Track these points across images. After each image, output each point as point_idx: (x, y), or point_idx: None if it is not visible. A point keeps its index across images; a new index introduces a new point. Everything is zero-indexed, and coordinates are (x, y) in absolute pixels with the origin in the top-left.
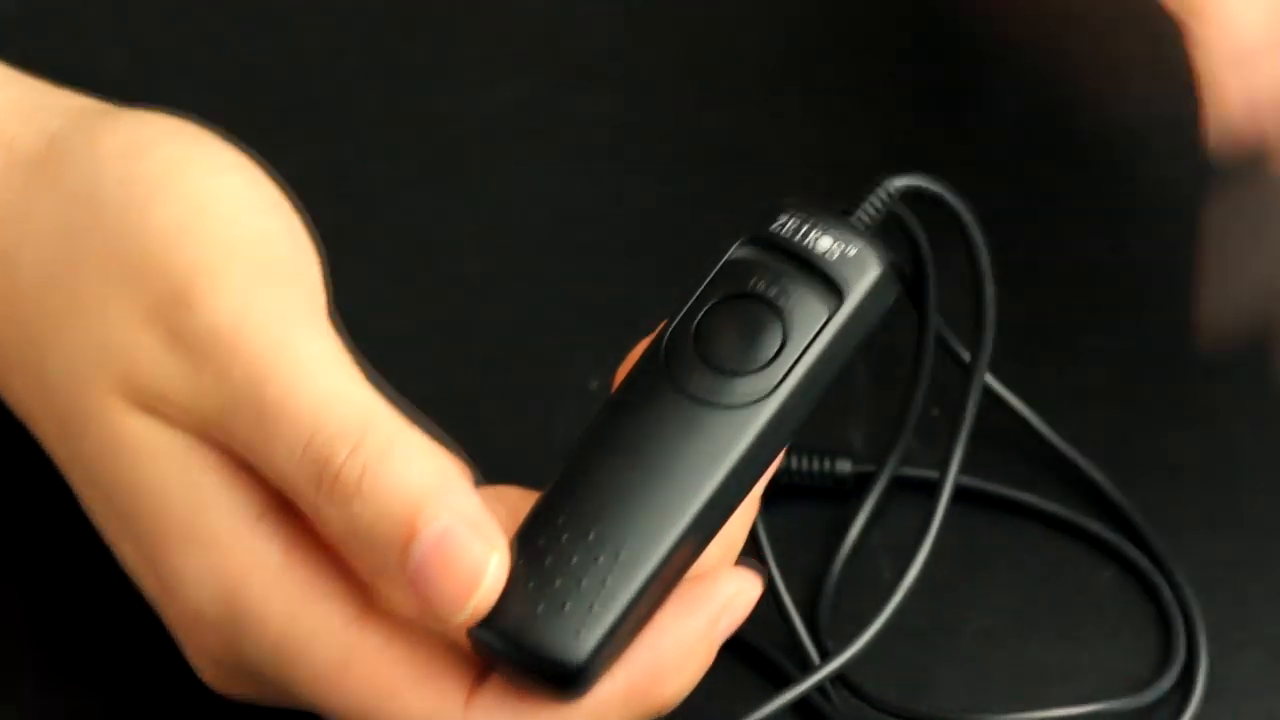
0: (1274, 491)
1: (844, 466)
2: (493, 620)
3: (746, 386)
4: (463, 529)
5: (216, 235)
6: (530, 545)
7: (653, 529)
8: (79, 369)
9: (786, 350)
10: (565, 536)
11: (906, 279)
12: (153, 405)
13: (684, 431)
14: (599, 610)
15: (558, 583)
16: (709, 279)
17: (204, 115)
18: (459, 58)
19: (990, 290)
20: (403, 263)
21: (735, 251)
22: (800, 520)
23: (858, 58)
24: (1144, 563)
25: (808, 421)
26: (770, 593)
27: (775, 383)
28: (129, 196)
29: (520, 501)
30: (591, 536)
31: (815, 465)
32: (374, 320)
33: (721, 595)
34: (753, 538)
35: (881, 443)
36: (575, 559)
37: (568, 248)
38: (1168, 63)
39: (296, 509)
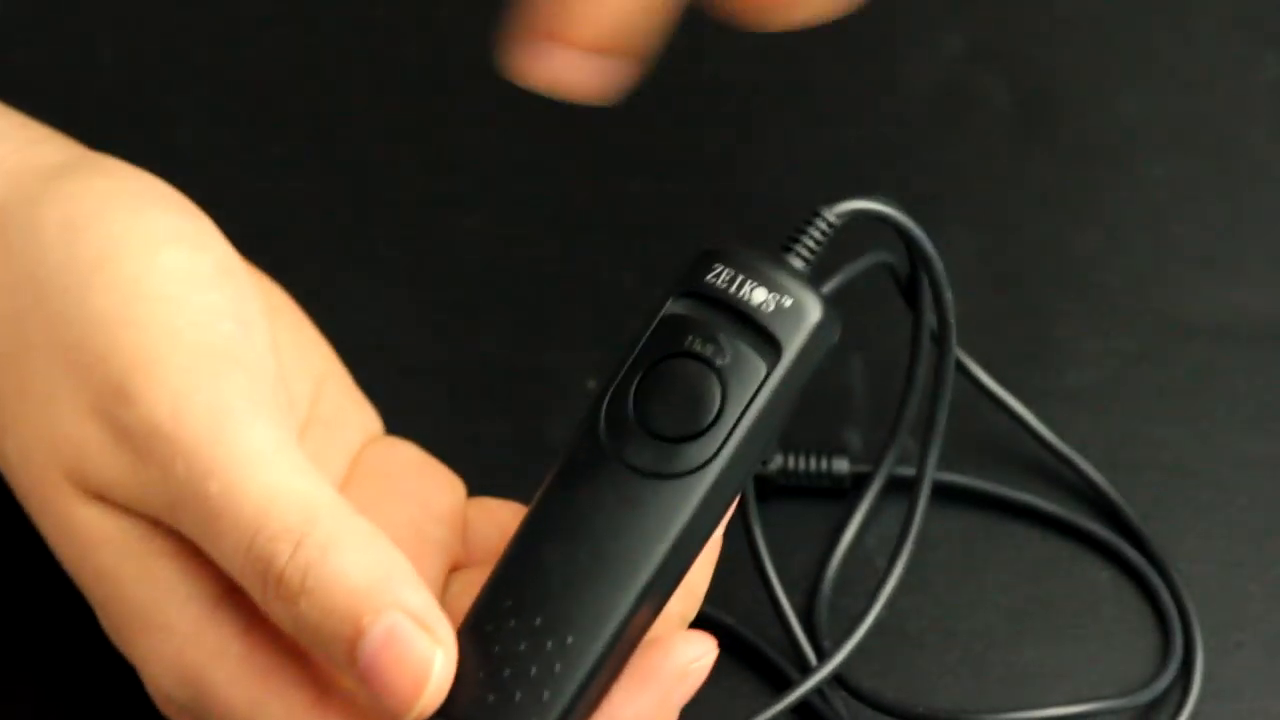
0: (1271, 492)
1: (841, 466)
2: (447, 711)
3: (687, 454)
4: (408, 626)
5: (154, 321)
6: (478, 633)
7: (600, 610)
8: (33, 455)
9: (726, 412)
10: (512, 623)
11: (899, 282)
12: (104, 496)
13: (626, 505)
14: (551, 699)
15: (507, 672)
16: (644, 338)
17: (203, 116)
18: (459, 58)
19: (949, 298)
20: (402, 263)
21: (670, 307)
22: (797, 520)
23: (859, 58)
24: (1141, 563)
25: (793, 430)
26: (767, 594)
27: (716, 447)
28: (69, 280)
29: (510, 518)
30: (538, 622)
31: (812, 465)
32: (373, 320)
33: (675, 665)
34: (748, 538)
35: (879, 443)
36: (523, 646)
37: (567, 247)
38: (1164, 64)
39: None
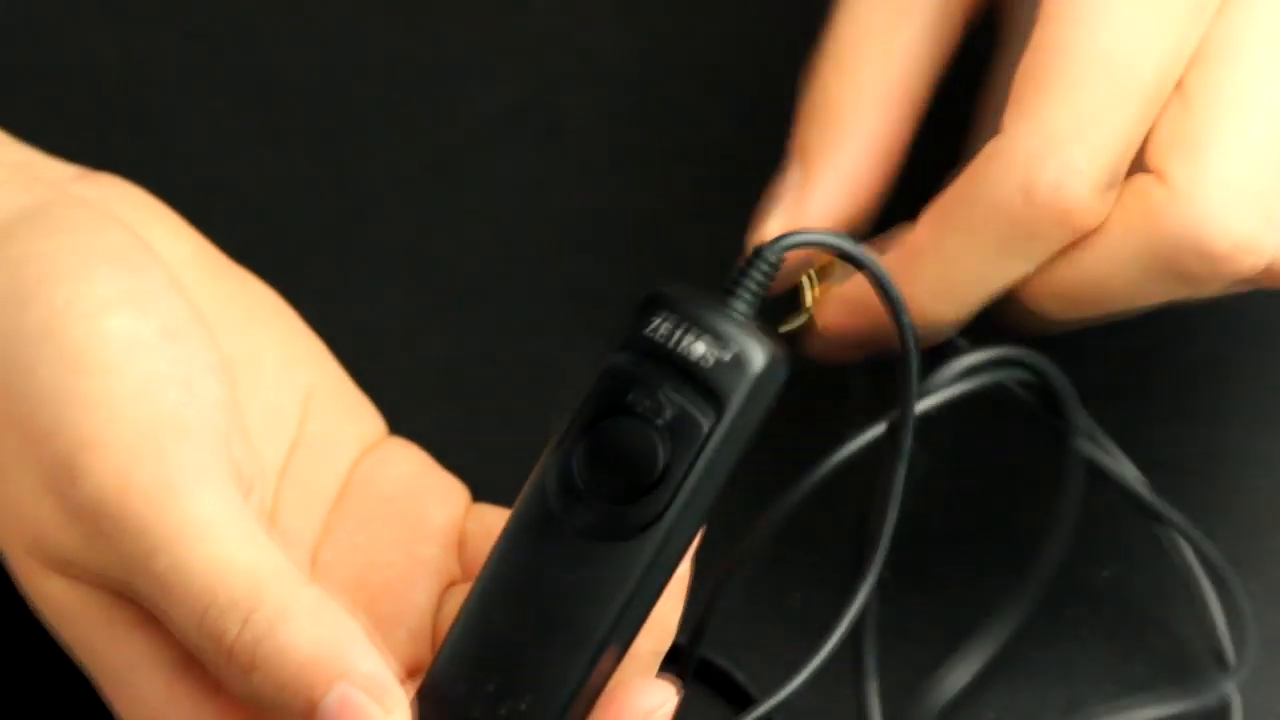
0: (1270, 491)
1: None
2: None
3: (632, 516)
4: (359, 698)
5: (98, 396)
6: (435, 698)
7: (555, 671)
8: (2, 527)
9: (670, 472)
10: (465, 688)
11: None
12: (66, 569)
13: (575, 567)
14: None
15: None
16: (587, 396)
17: (203, 116)
18: (458, 57)
19: (907, 321)
20: (402, 263)
21: (611, 359)
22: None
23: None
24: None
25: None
26: None
27: (662, 507)
28: (17, 353)
29: (497, 522)
30: (492, 688)
31: None
32: (373, 320)
33: (638, 713)
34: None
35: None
36: (478, 712)
37: (567, 248)
38: None
39: None
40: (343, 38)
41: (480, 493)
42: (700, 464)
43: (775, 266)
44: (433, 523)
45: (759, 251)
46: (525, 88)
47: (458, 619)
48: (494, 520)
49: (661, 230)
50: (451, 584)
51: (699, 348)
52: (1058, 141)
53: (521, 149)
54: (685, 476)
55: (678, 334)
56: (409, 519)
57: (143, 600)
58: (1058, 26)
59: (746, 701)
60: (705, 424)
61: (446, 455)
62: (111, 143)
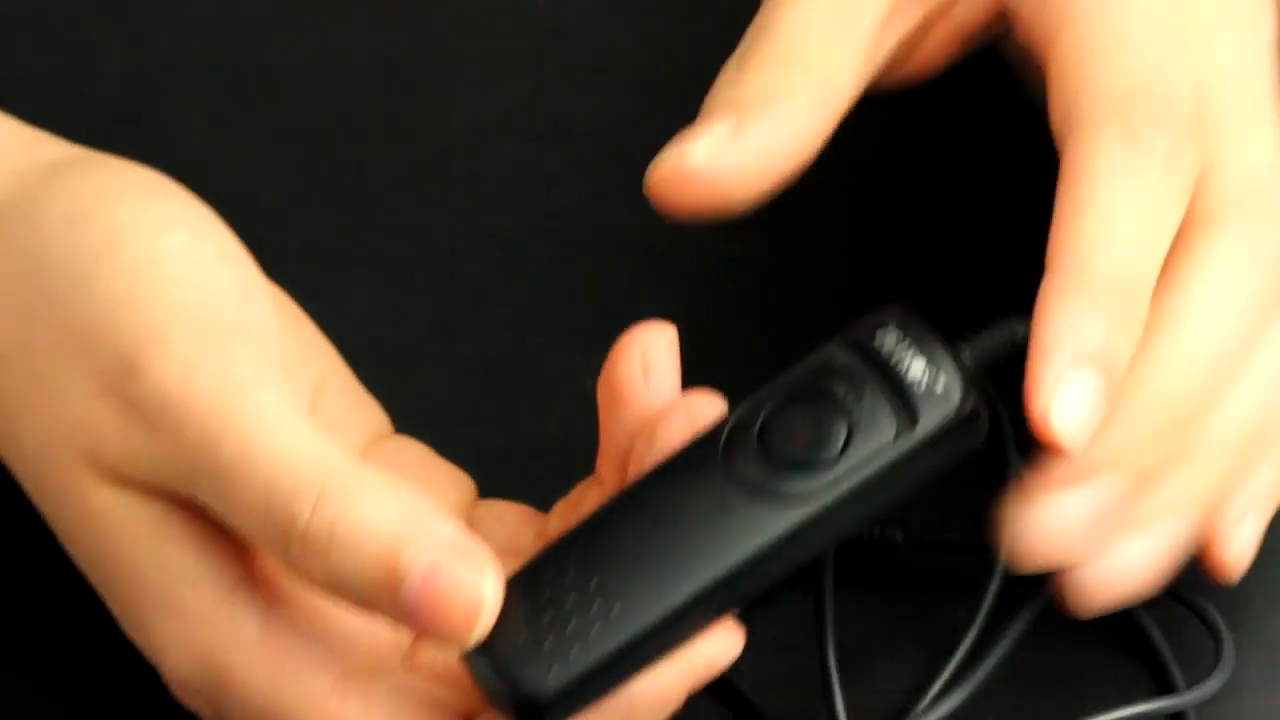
0: None
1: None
2: (484, 644)
3: (792, 484)
4: (448, 558)
5: (160, 299)
6: (534, 574)
7: (655, 593)
8: (47, 444)
9: (843, 460)
10: (570, 574)
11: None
12: (120, 477)
13: (717, 509)
14: (577, 655)
15: (546, 618)
16: (795, 370)
17: (203, 117)
18: (459, 58)
19: None
20: (402, 263)
21: (828, 349)
22: None
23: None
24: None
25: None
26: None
27: (821, 487)
28: (74, 269)
29: (519, 521)
30: (594, 583)
31: None
32: (373, 320)
33: (701, 653)
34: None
35: None
36: (571, 599)
37: (567, 248)
38: None
39: (272, 572)
40: (343, 38)
41: (480, 492)
42: (872, 466)
43: (1020, 344)
44: (446, 501)
45: (1013, 322)
46: (525, 88)
47: (586, 515)
48: (503, 509)
49: (661, 231)
50: None
51: (917, 367)
52: (1135, 90)
53: (521, 149)
54: (853, 470)
55: (901, 349)
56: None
57: (203, 496)
58: (1084, 25)
59: (746, 708)
60: (893, 432)
61: (446, 455)
62: (111, 143)
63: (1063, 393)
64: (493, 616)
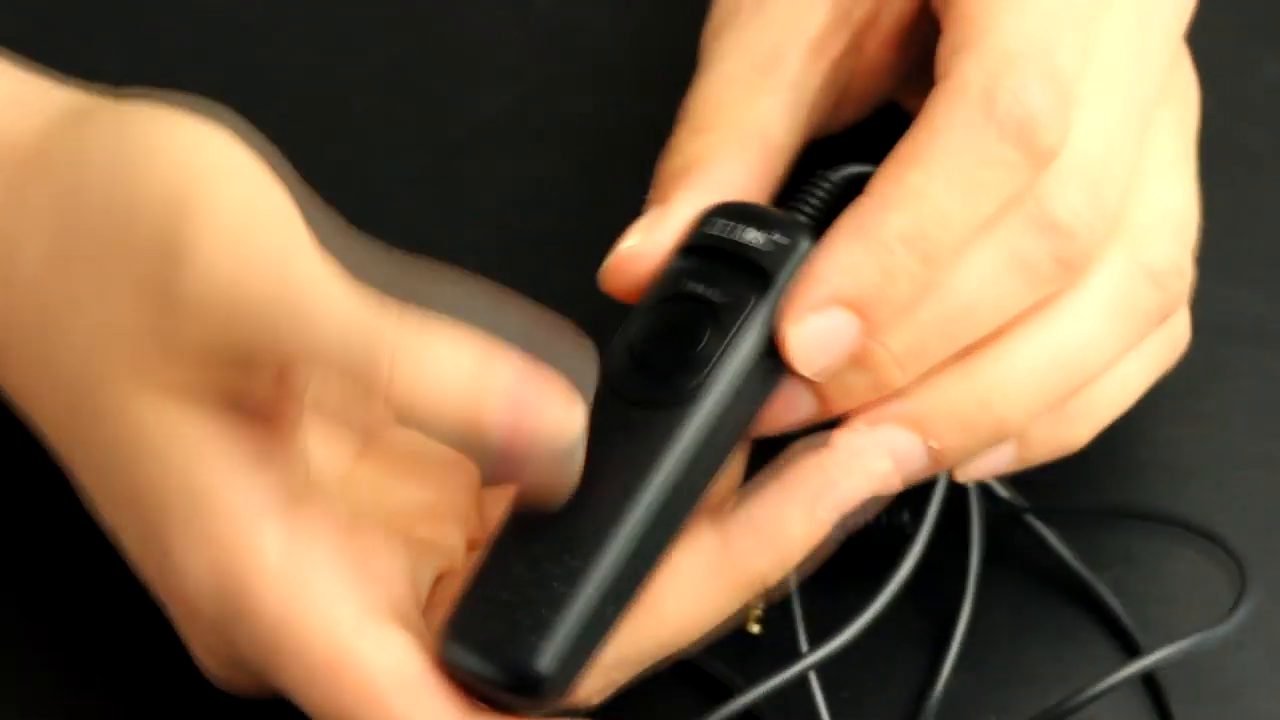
0: (1270, 491)
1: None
2: (455, 639)
3: (680, 381)
4: (531, 390)
5: (201, 193)
6: (483, 571)
7: (598, 532)
8: (87, 359)
9: (712, 339)
10: (513, 553)
11: None
12: (163, 381)
13: (622, 435)
14: (550, 616)
15: (506, 596)
16: (646, 292)
17: None
18: (459, 58)
19: None
20: None
21: (671, 263)
22: None
23: None
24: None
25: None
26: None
27: (705, 372)
28: (113, 180)
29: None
30: (536, 549)
31: None
32: None
33: (825, 477)
34: None
35: None
36: (521, 570)
37: (567, 248)
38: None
39: (302, 501)
40: (343, 38)
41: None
42: (747, 333)
43: (836, 186)
44: (451, 481)
45: (820, 174)
46: (525, 88)
47: (511, 498)
48: (507, 490)
49: None
50: (474, 545)
51: (752, 234)
52: (1013, 55)
53: (521, 149)
54: (729, 343)
55: (731, 229)
56: (433, 477)
57: (264, 371)
58: None
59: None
60: (752, 294)
61: None
62: None
63: (806, 323)
64: (578, 439)
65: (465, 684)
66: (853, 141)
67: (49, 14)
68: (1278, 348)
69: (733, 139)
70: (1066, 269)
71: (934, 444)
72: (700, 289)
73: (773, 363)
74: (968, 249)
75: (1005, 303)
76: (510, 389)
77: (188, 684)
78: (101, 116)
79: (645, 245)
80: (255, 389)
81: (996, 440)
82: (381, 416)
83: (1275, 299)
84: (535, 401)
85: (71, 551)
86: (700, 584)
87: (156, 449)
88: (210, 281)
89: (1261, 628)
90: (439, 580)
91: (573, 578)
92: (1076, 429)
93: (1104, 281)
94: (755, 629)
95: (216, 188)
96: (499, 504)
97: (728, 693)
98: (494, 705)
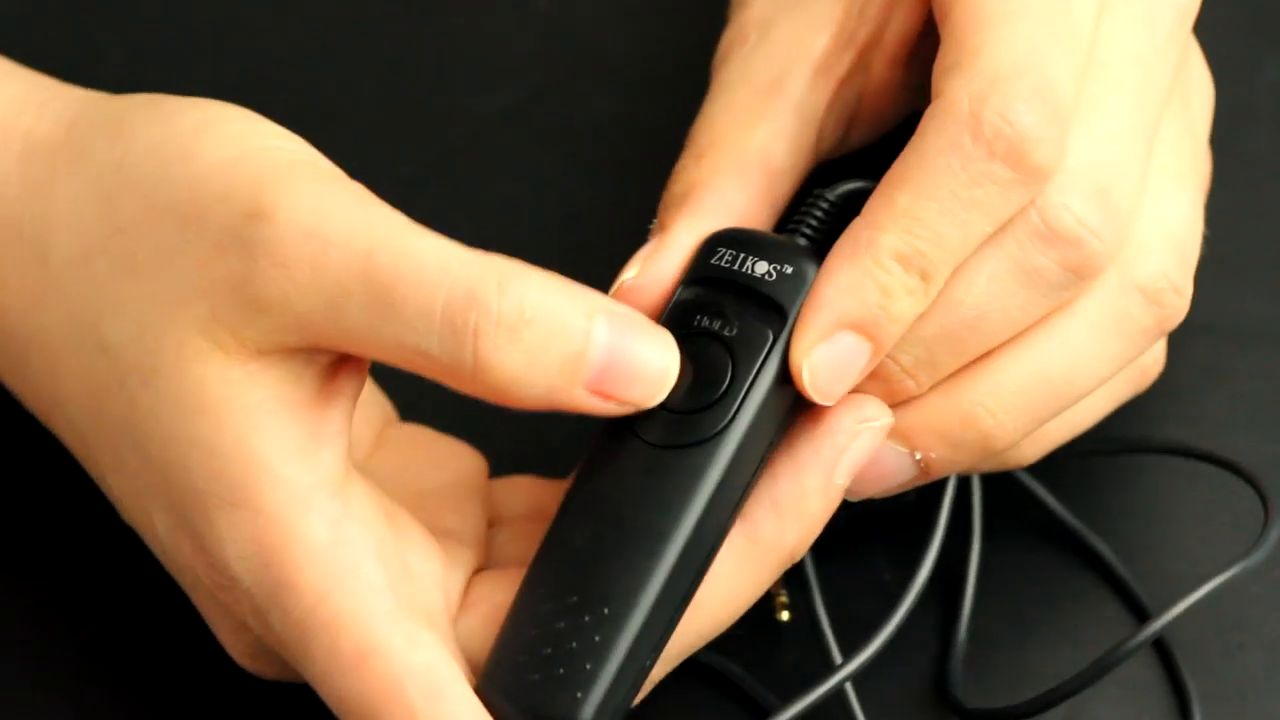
0: (1271, 491)
1: None
2: (494, 689)
3: (704, 422)
4: (630, 323)
5: (271, 153)
6: (518, 619)
7: (633, 580)
8: (145, 326)
9: (736, 379)
10: (549, 605)
11: None
12: (235, 342)
13: (649, 479)
14: (594, 668)
15: (548, 650)
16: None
17: None
18: (459, 58)
19: None
20: None
21: (679, 295)
22: None
23: None
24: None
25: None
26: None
27: (731, 413)
28: (169, 151)
29: (534, 491)
30: (574, 600)
31: None
32: None
33: (835, 442)
34: None
35: None
36: (562, 624)
37: (568, 248)
38: None
39: (351, 485)
40: (343, 38)
41: None
42: (767, 370)
43: (835, 205)
44: (465, 469)
45: (817, 193)
46: (525, 88)
47: (540, 544)
48: (519, 482)
49: None
50: (491, 524)
51: (761, 266)
52: (999, 77)
53: (521, 149)
54: (752, 383)
55: (741, 258)
56: (446, 467)
57: (347, 325)
58: None
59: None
60: (770, 331)
61: None
62: None
63: (817, 353)
64: (673, 377)
65: None
66: (858, 152)
67: (49, 14)
68: (1278, 348)
69: (734, 165)
70: (1079, 276)
71: (919, 456)
72: (715, 325)
73: (790, 390)
74: (974, 261)
75: (1017, 312)
76: (614, 329)
77: (188, 687)
78: (136, 104)
79: (648, 277)
80: (323, 357)
81: (987, 454)
82: (489, 347)
83: (1275, 299)
84: (640, 338)
85: (73, 553)
86: (733, 575)
87: (218, 409)
88: (297, 232)
89: (1263, 628)
90: (471, 579)
91: (611, 628)
92: (1023, 449)
93: (1095, 299)
94: (784, 616)
95: (282, 150)
96: (507, 491)
97: (756, 705)
98: None
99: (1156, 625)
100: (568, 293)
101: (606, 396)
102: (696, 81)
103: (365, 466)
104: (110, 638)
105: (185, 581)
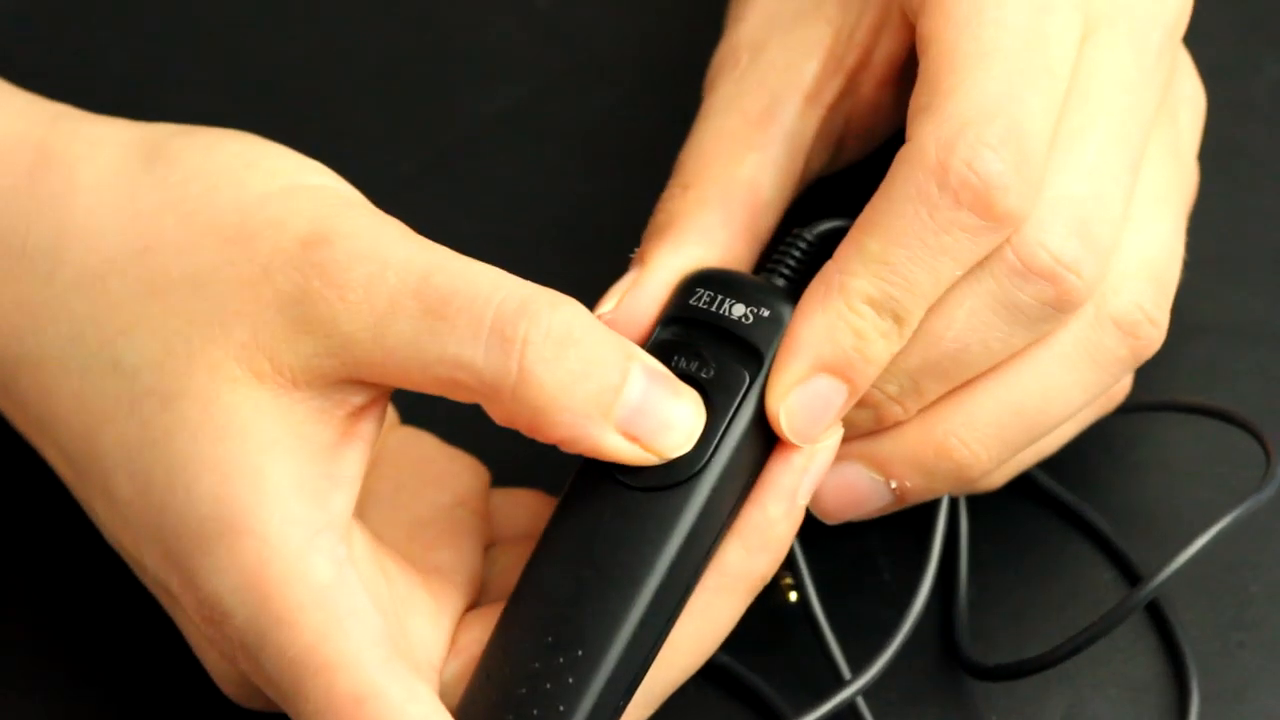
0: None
1: None
2: None
3: (679, 464)
4: (658, 370)
5: (322, 195)
6: (493, 659)
7: (608, 621)
8: (173, 346)
9: (713, 422)
10: (525, 645)
11: None
12: (272, 368)
13: (625, 520)
14: (567, 710)
15: (523, 690)
16: None
17: (203, 116)
18: (459, 58)
19: None
20: None
21: (657, 335)
22: None
23: None
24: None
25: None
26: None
27: (707, 455)
28: (216, 178)
29: (536, 509)
30: (549, 640)
31: None
32: None
33: (792, 468)
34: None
35: None
36: (537, 665)
37: (568, 248)
38: None
39: (356, 534)
40: (343, 38)
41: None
42: (742, 414)
43: (812, 245)
44: (464, 488)
45: (795, 233)
46: (525, 88)
47: (516, 585)
48: (520, 495)
49: None
50: (490, 545)
51: (739, 308)
52: (968, 122)
53: (521, 149)
54: (727, 427)
55: (718, 300)
56: (444, 486)
57: (394, 344)
58: (951, 32)
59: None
60: (746, 375)
61: None
62: None
63: (793, 397)
64: (698, 433)
65: None
66: (844, 171)
67: (49, 14)
68: (1278, 348)
69: (719, 197)
70: (1059, 310)
71: (894, 484)
72: (692, 367)
73: (766, 432)
74: (953, 296)
75: (998, 344)
76: (649, 369)
77: (187, 690)
78: (172, 135)
79: (624, 313)
80: (353, 398)
81: (961, 483)
82: (533, 361)
83: (1275, 299)
84: (669, 385)
85: (73, 558)
86: (706, 610)
87: (243, 436)
88: (355, 254)
89: (1263, 628)
90: (461, 620)
91: (585, 669)
92: (993, 475)
93: (1070, 332)
94: (793, 596)
95: (330, 188)
96: (509, 506)
97: (759, 704)
98: None
99: (1170, 569)
100: (611, 334)
101: (633, 439)
102: (696, 81)
103: (363, 482)
104: (100, 650)
105: (176, 615)
